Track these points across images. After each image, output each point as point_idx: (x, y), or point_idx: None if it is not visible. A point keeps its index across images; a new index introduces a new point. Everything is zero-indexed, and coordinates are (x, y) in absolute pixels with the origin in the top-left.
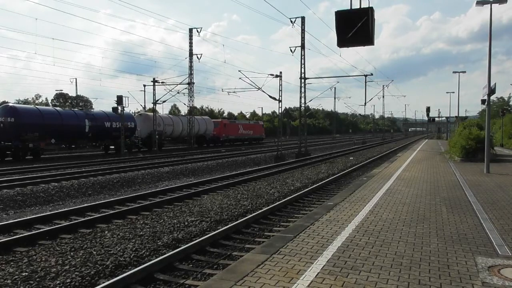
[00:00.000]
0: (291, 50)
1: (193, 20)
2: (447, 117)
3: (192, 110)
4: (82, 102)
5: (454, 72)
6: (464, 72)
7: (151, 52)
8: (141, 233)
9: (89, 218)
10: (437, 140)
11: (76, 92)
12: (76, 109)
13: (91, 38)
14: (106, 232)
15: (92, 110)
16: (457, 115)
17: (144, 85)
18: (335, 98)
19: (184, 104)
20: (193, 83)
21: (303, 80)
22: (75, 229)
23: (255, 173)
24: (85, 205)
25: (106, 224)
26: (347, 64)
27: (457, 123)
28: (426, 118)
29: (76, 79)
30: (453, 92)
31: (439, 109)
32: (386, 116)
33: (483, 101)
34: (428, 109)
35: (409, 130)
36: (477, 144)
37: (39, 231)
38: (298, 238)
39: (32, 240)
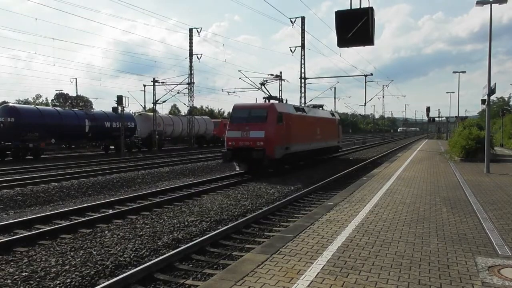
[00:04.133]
0: (291, 50)
1: (195, 20)
2: (447, 117)
3: (192, 110)
4: (82, 102)
5: (454, 72)
6: (464, 72)
7: (151, 52)
8: (141, 233)
9: (89, 218)
10: (437, 140)
11: (76, 92)
12: (76, 109)
13: (92, 38)
14: (106, 232)
15: (92, 110)
16: (457, 115)
17: (144, 85)
18: (335, 98)
19: (184, 104)
20: (193, 83)
21: (303, 80)
22: (75, 229)
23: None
24: (85, 205)
25: (106, 224)
26: (347, 64)
27: (457, 123)
28: (426, 118)
29: (76, 79)
30: (453, 92)
31: (439, 109)
32: (386, 116)
33: (483, 101)
34: (428, 109)
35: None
36: (477, 144)
37: (39, 231)
38: (298, 238)
39: (32, 240)
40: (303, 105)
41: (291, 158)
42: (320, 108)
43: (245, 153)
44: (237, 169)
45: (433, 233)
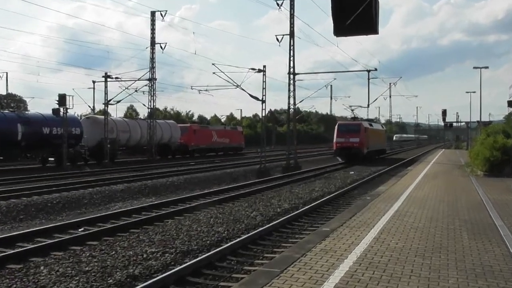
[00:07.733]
0: (277, 39)
1: (159, 2)
2: (467, 122)
3: (154, 113)
4: (14, 102)
5: (475, 67)
6: (486, 67)
7: (104, 40)
8: (86, 268)
9: (20, 249)
10: (456, 150)
11: (7, 90)
12: (6, 111)
13: (30, 23)
14: (42, 267)
15: (26, 112)
16: (479, 119)
17: (94, 81)
18: (331, 98)
19: (144, 105)
20: (155, 79)
21: (292, 76)
22: (1, 264)
23: (232, 191)
24: (15, 233)
25: (42, 257)
26: (347, 57)
27: (479, 129)
28: (442, 123)
29: (7, 73)
30: (474, 92)
31: (457, 113)
32: (393, 120)
33: (510, 103)
34: (444, 113)
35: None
36: (503, 155)
37: None
38: (286, 273)
39: None
40: (292, 107)
41: (369, 154)
42: (376, 122)
43: (347, 151)
44: (340, 160)
45: (451, 265)
